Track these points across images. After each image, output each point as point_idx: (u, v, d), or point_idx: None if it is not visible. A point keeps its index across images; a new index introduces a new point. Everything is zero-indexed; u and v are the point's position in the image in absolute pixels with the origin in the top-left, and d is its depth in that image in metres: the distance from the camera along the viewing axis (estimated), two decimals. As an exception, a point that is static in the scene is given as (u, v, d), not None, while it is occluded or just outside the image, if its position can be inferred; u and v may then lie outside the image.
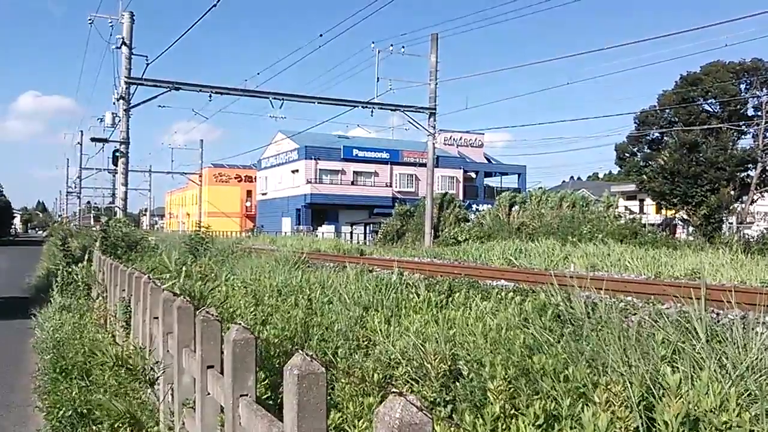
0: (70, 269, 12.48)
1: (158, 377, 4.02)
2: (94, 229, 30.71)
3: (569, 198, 32.99)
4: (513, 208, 34.45)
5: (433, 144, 32.87)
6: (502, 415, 3.00)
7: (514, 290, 8.29)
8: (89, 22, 26.17)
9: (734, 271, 13.03)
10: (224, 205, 74.98)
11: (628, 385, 3.19)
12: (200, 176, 65.63)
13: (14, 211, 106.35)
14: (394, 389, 1.65)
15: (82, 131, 66.07)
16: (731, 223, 41.12)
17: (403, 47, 31.62)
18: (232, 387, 2.72)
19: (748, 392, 3.46)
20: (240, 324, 2.83)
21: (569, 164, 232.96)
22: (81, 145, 63.61)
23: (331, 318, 6.23)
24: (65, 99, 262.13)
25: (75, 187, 73.51)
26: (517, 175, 67.20)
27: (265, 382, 3.75)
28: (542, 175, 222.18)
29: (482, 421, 2.97)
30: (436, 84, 31.62)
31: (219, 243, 20.31)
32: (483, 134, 67.11)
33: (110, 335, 7.57)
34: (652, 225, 38.90)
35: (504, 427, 2.98)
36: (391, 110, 32.48)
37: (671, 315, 5.26)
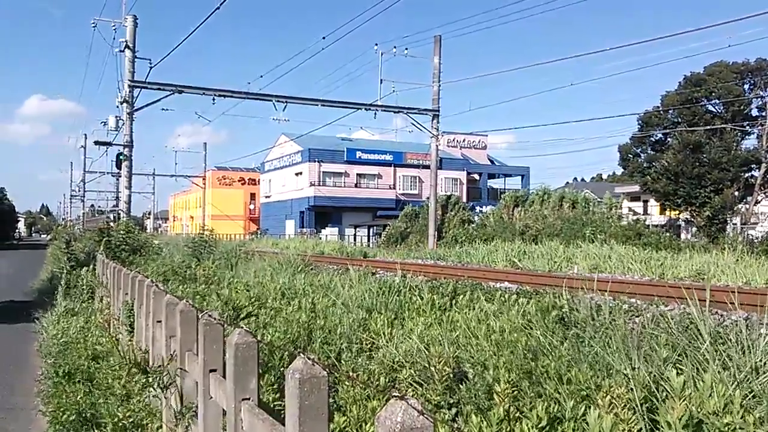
0: (74, 273, 12.51)
1: (161, 381, 4.02)
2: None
3: (569, 197, 32.89)
4: (516, 210, 34.40)
5: (437, 146, 32.88)
6: (506, 418, 3.00)
7: (517, 293, 8.27)
8: (92, 25, 26.24)
9: (738, 273, 12.99)
10: (228, 208, 75.09)
11: (632, 387, 3.18)
12: (204, 179, 65.72)
13: (18, 214, 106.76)
14: (397, 392, 1.65)
15: (86, 134, 66.31)
16: (735, 224, 41.00)
17: (407, 49, 31.59)
18: (234, 391, 2.72)
19: (752, 394, 3.45)
20: (242, 327, 2.83)
21: (573, 165, 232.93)
22: (85, 148, 63.77)
23: (334, 321, 6.22)
24: (69, 102, 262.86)
25: (79, 191, 73.75)
26: (520, 177, 67.13)
27: (273, 386, 3.75)
28: (546, 176, 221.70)
29: (487, 423, 2.97)
30: (439, 86, 31.61)
31: (223, 246, 20.35)
32: (486, 136, 67.14)
33: (114, 339, 7.58)
34: (656, 226, 38.79)
35: (508, 429, 2.97)
36: (394, 112, 32.53)
37: (675, 317, 5.24)
